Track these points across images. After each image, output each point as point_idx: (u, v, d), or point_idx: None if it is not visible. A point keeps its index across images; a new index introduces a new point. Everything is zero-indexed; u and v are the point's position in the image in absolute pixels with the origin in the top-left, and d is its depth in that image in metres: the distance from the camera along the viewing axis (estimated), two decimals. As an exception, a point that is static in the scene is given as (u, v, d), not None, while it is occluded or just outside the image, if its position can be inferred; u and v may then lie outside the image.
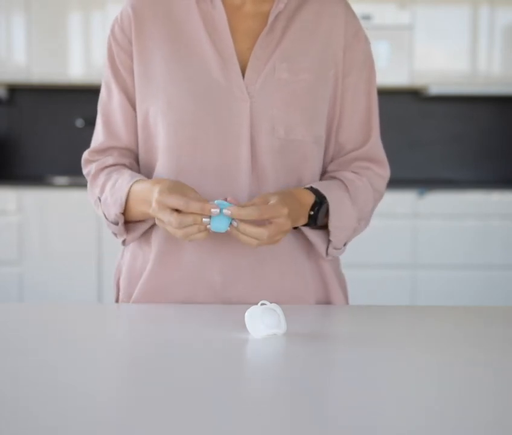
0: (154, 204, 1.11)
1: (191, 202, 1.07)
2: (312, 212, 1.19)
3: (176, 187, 1.11)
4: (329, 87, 1.25)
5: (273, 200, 1.10)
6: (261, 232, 1.08)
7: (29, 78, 3.99)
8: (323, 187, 1.21)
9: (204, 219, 1.07)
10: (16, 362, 0.87)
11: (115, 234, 1.26)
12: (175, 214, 1.08)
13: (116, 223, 1.23)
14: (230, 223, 1.08)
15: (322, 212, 1.20)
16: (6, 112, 4.34)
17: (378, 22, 3.93)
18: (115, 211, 1.20)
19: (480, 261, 3.78)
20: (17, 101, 4.33)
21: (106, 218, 1.25)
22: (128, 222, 1.24)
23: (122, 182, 1.19)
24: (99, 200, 1.25)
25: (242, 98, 1.19)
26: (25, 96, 4.32)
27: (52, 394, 0.75)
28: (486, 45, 3.99)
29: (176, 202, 1.08)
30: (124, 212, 1.21)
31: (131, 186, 1.18)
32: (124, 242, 1.27)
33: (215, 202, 1.08)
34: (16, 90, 4.30)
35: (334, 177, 1.27)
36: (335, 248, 1.25)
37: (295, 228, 1.21)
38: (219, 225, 1.08)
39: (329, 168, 1.30)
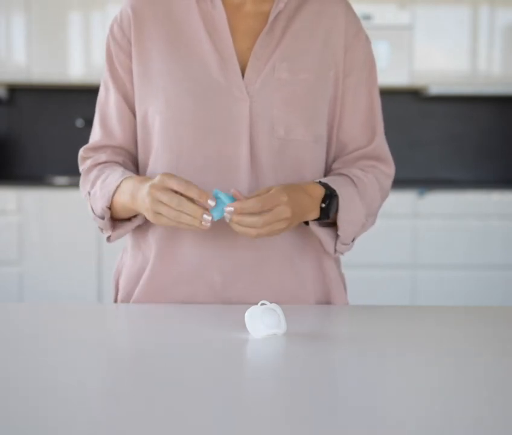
0: (156, 183, 1.10)
1: (192, 185, 1.08)
2: (324, 205, 1.18)
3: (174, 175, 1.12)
4: (329, 87, 1.25)
5: (273, 190, 1.10)
6: (255, 220, 1.08)
7: (29, 78, 3.99)
8: (332, 181, 1.21)
9: (204, 215, 1.07)
10: (16, 362, 0.87)
11: (101, 229, 1.26)
12: (177, 194, 1.08)
13: (103, 218, 1.23)
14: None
15: (333, 206, 1.19)
16: (6, 112, 4.34)
17: (378, 22, 3.93)
18: (101, 204, 1.20)
19: (480, 261, 3.78)
20: (17, 101, 4.33)
21: (93, 212, 1.25)
22: (115, 219, 1.24)
23: (113, 177, 1.20)
24: (89, 194, 1.26)
25: (241, 97, 1.19)
26: (25, 96, 4.32)
27: (52, 394, 0.75)
28: (486, 45, 3.99)
29: (177, 183, 1.08)
30: (111, 208, 1.21)
31: (120, 182, 1.18)
32: (108, 239, 1.27)
33: (214, 191, 1.09)
34: (16, 90, 4.30)
35: (340, 174, 1.26)
36: (343, 244, 1.24)
37: (306, 223, 1.21)
38: (215, 213, 1.08)
39: (334, 166, 1.30)
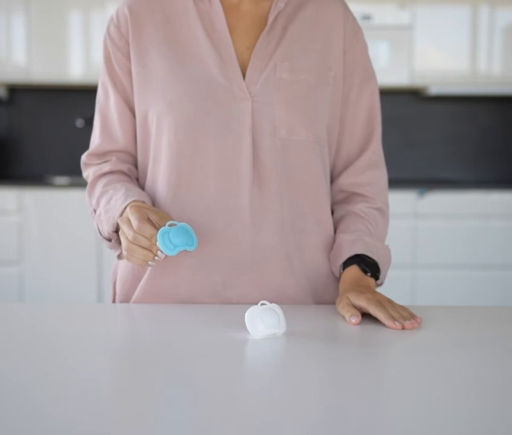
0: (123, 214, 1.14)
1: (145, 227, 1.09)
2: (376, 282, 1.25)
3: (151, 211, 1.12)
4: (329, 88, 1.25)
5: (363, 300, 1.10)
6: (390, 316, 1.07)
7: (29, 78, 3.99)
8: (372, 252, 1.24)
9: (156, 257, 1.10)
10: (16, 362, 0.87)
11: (110, 248, 1.27)
12: (133, 230, 1.10)
13: (109, 240, 1.23)
14: (178, 251, 1.09)
15: (381, 274, 1.26)
16: (6, 112, 4.34)
17: (378, 22, 3.93)
18: (107, 229, 1.20)
19: (480, 261, 3.78)
20: (17, 101, 4.33)
21: (100, 233, 1.25)
22: None
23: (116, 201, 1.19)
24: (95, 212, 1.26)
25: (243, 97, 1.19)
26: (25, 96, 4.32)
27: (52, 394, 0.75)
28: (486, 45, 3.99)
29: (132, 219, 1.10)
30: (117, 230, 1.20)
31: (124, 208, 1.16)
32: (119, 256, 1.27)
33: (163, 229, 1.09)
34: (16, 90, 4.30)
35: (357, 214, 1.29)
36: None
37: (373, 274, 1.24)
38: (165, 248, 1.08)
39: (343, 181, 1.31)
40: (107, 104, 1.28)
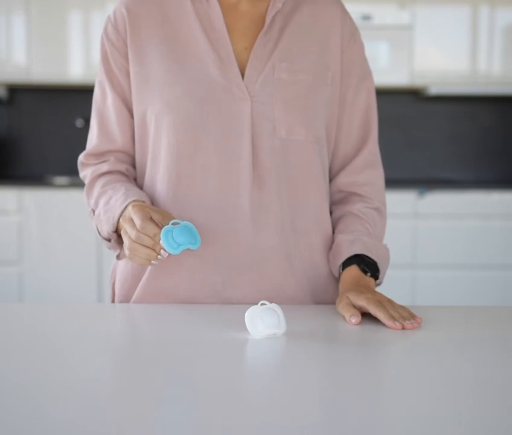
0: (125, 213, 1.14)
1: (148, 226, 1.08)
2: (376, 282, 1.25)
3: (153, 211, 1.12)
4: (328, 88, 1.25)
5: (363, 300, 1.10)
6: (391, 315, 1.07)
7: (29, 78, 3.99)
8: (372, 252, 1.24)
9: (159, 256, 1.10)
10: (16, 362, 0.87)
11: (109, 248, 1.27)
12: (136, 230, 1.09)
13: (109, 240, 1.23)
14: (182, 249, 1.09)
15: (380, 274, 1.26)
16: (6, 112, 4.34)
17: (378, 22, 3.93)
18: (107, 229, 1.20)
19: (480, 261, 3.78)
20: (17, 101, 4.33)
21: (99, 233, 1.25)
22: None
23: (116, 201, 1.18)
24: (93, 212, 1.25)
25: (242, 97, 1.19)
26: (25, 96, 4.32)
27: (52, 394, 0.75)
28: (486, 45, 3.99)
29: (135, 218, 1.10)
30: (117, 230, 1.20)
31: (124, 208, 1.16)
32: (118, 256, 1.27)
33: (166, 227, 1.08)
34: (16, 90, 4.30)
35: (355, 215, 1.29)
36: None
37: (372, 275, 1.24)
38: (169, 247, 1.08)
39: (341, 180, 1.32)
40: (104, 103, 1.27)
